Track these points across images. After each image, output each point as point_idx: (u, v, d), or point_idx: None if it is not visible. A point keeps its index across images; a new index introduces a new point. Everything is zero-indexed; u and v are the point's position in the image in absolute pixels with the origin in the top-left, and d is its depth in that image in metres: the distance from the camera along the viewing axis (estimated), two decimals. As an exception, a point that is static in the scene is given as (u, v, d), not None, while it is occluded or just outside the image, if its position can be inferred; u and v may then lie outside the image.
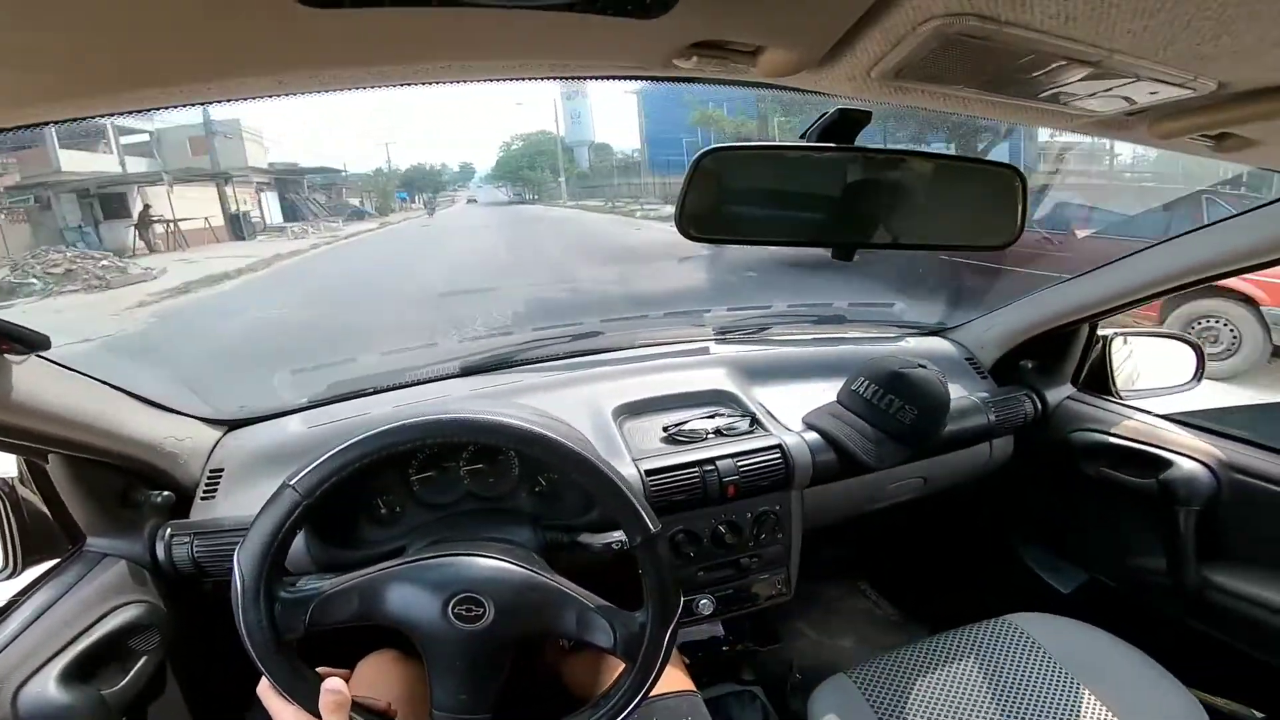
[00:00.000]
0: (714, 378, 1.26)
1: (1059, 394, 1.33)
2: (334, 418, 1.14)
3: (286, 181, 23.29)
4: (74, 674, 0.79)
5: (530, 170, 35.00)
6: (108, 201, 14.78)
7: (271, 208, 21.11)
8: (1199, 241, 1.01)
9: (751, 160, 0.63)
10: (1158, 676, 0.97)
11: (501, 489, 0.98)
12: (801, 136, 0.62)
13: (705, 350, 1.36)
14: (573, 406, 1.14)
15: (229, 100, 0.40)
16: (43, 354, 0.74)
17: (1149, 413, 1.23)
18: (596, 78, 0.46)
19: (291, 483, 0.71)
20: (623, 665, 0.78)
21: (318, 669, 0.73)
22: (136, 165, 17.01)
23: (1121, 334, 1.35)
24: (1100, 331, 1.32)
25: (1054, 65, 0.42)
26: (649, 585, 0.76)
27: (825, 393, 1.23)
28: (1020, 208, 0.66)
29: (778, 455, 1.10)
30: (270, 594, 0.69)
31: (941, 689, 0.98)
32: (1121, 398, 1.31)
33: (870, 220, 0.64)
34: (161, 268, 11.22)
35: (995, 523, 1.55)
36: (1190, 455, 1.12)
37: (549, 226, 17.82)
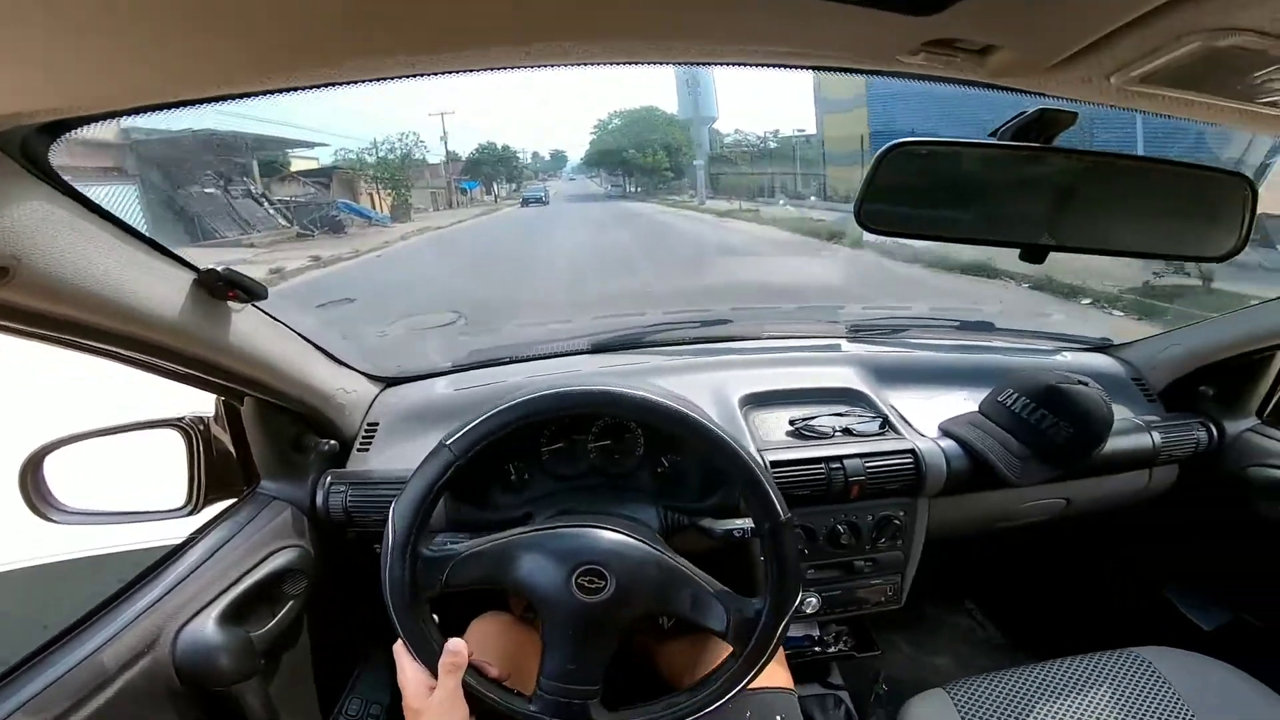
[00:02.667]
0: (845, 375, 1.23)
1: (1239, 425, 1.20)
2: (476, 383, 1.21)
3: (176, 164, 12.50)
4: (230, 615, 0.84)
5: (637, 153, 24.33)
6: None
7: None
8: None
9: (941, 155, 0.61)
10: None
11: (626, 466, 1.01)
12: (992, 134, 0.59)
13: (836, 347, 1.34)
14: (700, 391, 1.15)
15: (442, 73, 0.42)
16: (257, 303, 0.81)
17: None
18: (808, 67, 0.46)
19: (448, 443, 0.74)
20: (722, 652, 0.78)
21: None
22: None
23: None
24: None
25: None
26: (771, 573, 0.76)
27: (964, 402, 1.17)
28: (1245, 219, 0.60)
29: (909, 460, 1.06)
30: (415, 550, 0.73)
31: (1049, 717, 0.92)
32: None
33: (1068, 223, 0.60)
34: None
35: (1135, 550, 1.43)
36: None
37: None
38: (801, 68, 0.45)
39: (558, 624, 0.75)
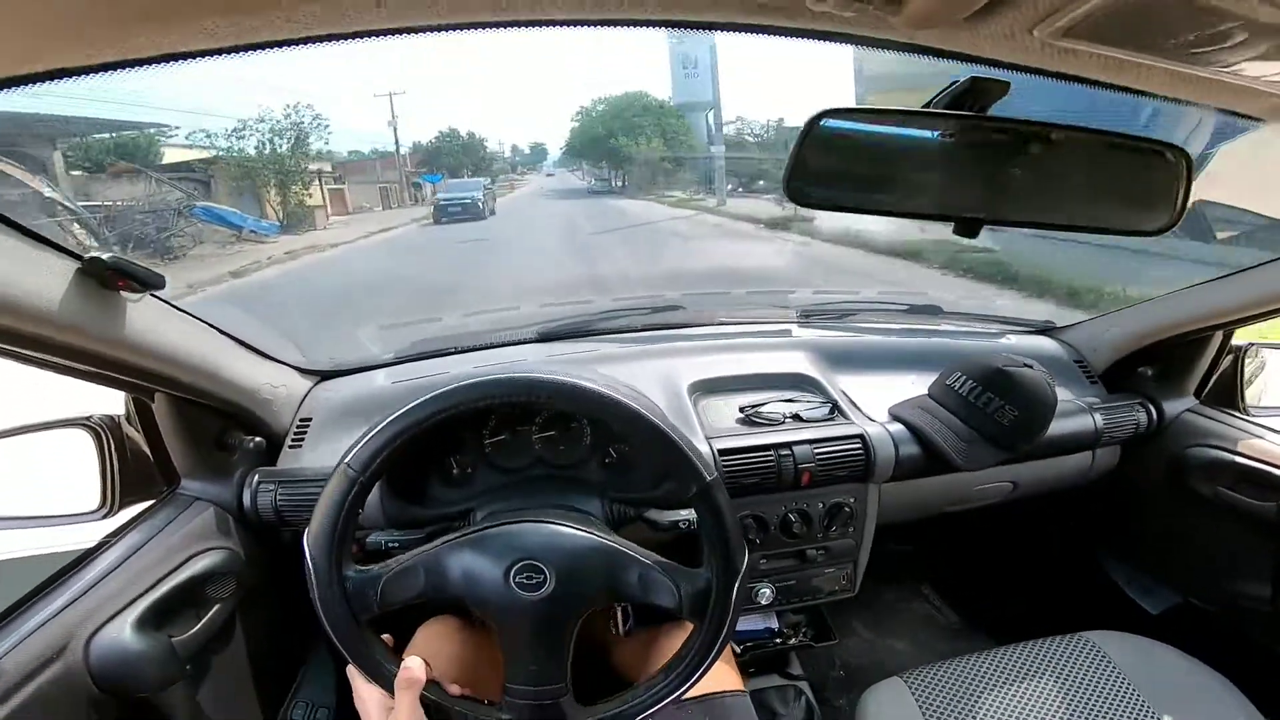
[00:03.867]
0: (795, 361, 1.21)
1: (1178, 406, 1.22)
2: (416, 375, 1.16)
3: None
4: (149, 620, 0.81)
5: (627, 140, 19.70)
6: None
7: None
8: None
9: (873, 124, 0.58)
10: (1245, 711, 0.89)
11: (572, 457, 0.98)
12: (927, 104, 0.57)
13: (787, 332, 1.32)
14: (648, 379, 1.12)
15: (242, 48, 0.38)
16: (157, 294, 0.76)
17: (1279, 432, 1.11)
18: (715, 26, 0.43)
19: (347, 460, 0.71)
20: (678, 644, 0.76)
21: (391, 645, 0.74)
22: None
23: (1260, 345, 1.21)
24: (1234, 341, 1.20)
25: (1269, 37, 0.36)
26: (709, 539, 0.74)
27: (913, 386, 1.17)
28: (1182, 192, 0.59)
29: (858, 445, 1.05)
30: (341, 575, 0.70)
31: (1002, 703, 0.93)
32: (1250, 414, 1.19)
33: (1002, 196, 0.59)
34: None
35: (1082, 534, 1.45)
36: None
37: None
38: (700, 25, 0.42)
39: (507, 627, 0.73)
